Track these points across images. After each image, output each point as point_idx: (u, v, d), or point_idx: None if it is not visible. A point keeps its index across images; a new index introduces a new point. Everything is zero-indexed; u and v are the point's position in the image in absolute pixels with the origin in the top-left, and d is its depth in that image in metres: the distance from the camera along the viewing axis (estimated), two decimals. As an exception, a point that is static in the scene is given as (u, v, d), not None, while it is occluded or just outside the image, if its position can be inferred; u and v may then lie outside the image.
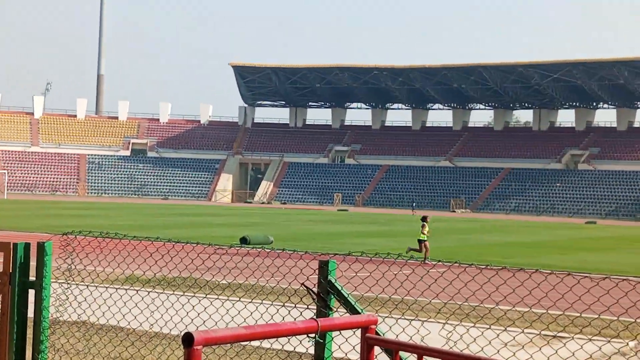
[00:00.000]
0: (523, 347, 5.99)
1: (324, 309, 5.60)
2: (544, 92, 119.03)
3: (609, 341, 6.96)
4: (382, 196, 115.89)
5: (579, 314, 7.20)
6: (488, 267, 5.89)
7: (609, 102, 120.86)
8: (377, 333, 4.79)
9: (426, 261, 27.62)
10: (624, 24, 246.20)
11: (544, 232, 54.92)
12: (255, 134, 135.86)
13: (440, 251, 33.52)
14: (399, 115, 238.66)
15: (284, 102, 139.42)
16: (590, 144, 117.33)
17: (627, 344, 7.15)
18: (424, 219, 29.95)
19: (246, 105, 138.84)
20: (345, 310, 5.63)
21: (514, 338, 6.15)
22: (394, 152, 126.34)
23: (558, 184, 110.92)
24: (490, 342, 6.49)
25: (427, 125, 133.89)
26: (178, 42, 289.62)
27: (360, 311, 5.53)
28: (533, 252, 35.60)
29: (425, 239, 29.03)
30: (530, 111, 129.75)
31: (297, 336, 4.52)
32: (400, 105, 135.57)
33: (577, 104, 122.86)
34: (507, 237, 47.09)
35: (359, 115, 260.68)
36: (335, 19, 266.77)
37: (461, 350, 7.08)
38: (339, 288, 5.64)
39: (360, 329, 4.58)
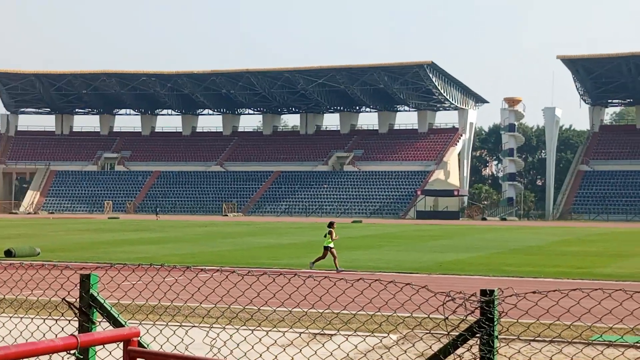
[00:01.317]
0: (284, 349, 6.22)
1: (86, 324, 5.55)
2: (310, 96, 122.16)
3: (372, 333, 7.34)
4: (154, 202, 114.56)
5: (350, 312, 7.55)
6: (249, 273, 6.06)
7: (371, 106, 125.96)
8: (140, 345, 4.81)
9: (339, 269, 26.57)
10: (381, 30, 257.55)
11: (312, 233, 56.32)
12: (19, 142, 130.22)
13: (214, 255, 33.67)
14: (169, 121, 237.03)
15: (49, 109, 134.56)
16: (354, 146, 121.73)
17: (388, 335, 7.57)
18: (330, 224, 28.08)
19: (8, 113, 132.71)
20: (109, 324, 5.60)
21: (276, 341, 6.36)
22: (165, 158, 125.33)
23: (325, 186, 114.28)
24: (253, 347, 6.67)
25: (198, 130, 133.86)
26: None
27: (123, 324, 5.52)
28: (302, 252, 36.44)
29: (332, 245, 27.30)
30: (298, 115, 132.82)
31: (59, 353, 4.43)
32: (170, 111, 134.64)
33: (342, 108, 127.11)
34: (278, 239, 47.94)
35: (128, 121, 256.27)
36: (102, 23, 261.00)
37: (225, 357, 7.24)
38: (102, 301, 5.61)
39: (123, 342, 4.58)
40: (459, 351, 5.48)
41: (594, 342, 8.99)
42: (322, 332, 9.42)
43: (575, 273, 27.23)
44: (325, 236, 27.66)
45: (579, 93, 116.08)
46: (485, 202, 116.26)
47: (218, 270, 7.38)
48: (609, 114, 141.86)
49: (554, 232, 61.89)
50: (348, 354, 6.43)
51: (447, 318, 5.62)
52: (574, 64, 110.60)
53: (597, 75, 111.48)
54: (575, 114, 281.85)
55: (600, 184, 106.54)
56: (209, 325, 7.47)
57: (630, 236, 55.77)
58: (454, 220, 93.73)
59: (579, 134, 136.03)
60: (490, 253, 37.31)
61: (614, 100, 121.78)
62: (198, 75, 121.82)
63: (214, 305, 7.79)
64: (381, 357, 6.42)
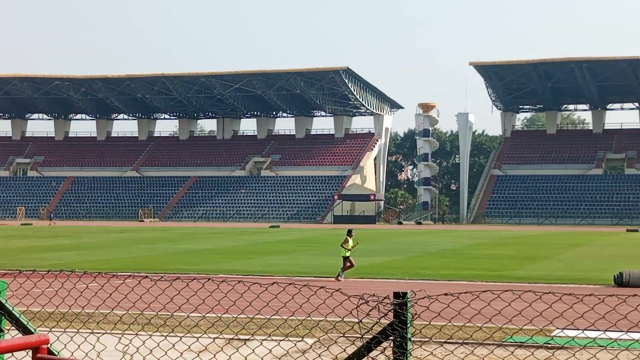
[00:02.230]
0: (198, 355, 6.18)
1: (-6, 332, 5.42)
2: (226, 101, 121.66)
3: (286, 337, 7.34)
4: (69, 208, 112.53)
5: (265, 317, 7.56)
6: (162, 278, 6.01)
7: (288, 111, 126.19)
8: (50, 352, 4.72)
9: (339, 277, 26.24)
10: (297, 36, 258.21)
11: (230, 238, 56.14)
12: None
13: (129, 261, 33.26)
14: (83, 126, 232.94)
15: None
16: (271, 151, 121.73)
17: (303, 339, 7.60)
18: (349, 232, 27.19)
19: None
20: (18, 332, 5.48)
21: (189, 347, 6.33)
22: (79, 163, 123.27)
23: (243, 191, 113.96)
24: (166, 353, 6.61)
25: (113, 135, 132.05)
26: None
27: (33, 331, 5.41)
28: (221, 258, 36.28)
29: (348, 254, 26.38)
30: (214, 120, 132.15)
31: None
32: (84, 116, 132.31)
33: (259, 113, 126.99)
34: (195, 245, 47.60)
35: (41, 126, 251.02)
36: (12, 26, 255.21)
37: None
38: (10, 308, 5.49)
39: (31, 350, 4.48)
40: (373, 354, 5.52)
41: (505, 343, 9.17)
42: (236, 337, 9.40)
43: (488, 275, 27.74)
44: (342, 245, 26.93)
45: (491, 99, 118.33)
46: (401, 207, 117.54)
47: (130, 275, 7.29)
48: (520, 119, 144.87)
49: (468, 235, 62.92)
50: (262, 359, 6.42)
51: (360, 321, 5.66)
52: (486, 70, 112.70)
53: (508, 82, 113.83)
54: (488, 120, 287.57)
55: (512, 188, 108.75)
56: (121, 332, 7.38)
57: (541, 239, 57.07)
58: (371, 225, 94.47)
59: (492, 139, 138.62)
60: (406, 257, 37.74)
61: (525, 106, 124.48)
62: (112, 79, 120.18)
63: (126, 312, 7.70)
64: (295, 360, 6.45)
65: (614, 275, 25.24)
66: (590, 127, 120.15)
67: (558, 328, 10.33)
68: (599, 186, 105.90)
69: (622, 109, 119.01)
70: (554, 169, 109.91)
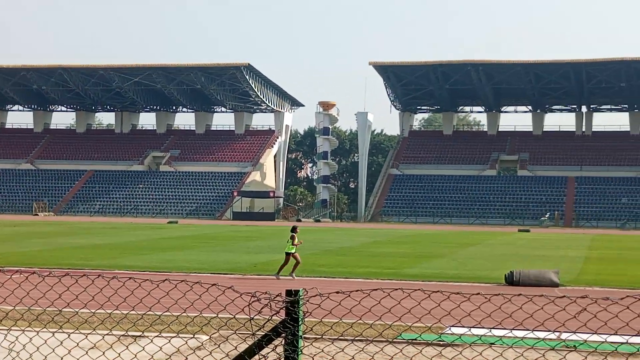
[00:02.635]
0: (87, 352, 6.09)
1: None
2: (125, 95, 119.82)
3: (177, 335, 7.30)
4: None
5: (155, 314, 7.49)
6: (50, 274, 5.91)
7: (188, 106, 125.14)
8: None
9: (284, 275, 25.83)
10: (198, 31, 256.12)
11: (127, 234, 55.35)
12: None
13: (21, 256, 32.43)
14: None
15: None
16: (171, 146, 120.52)
17: (194, 336, 7.58)
18: (293, 229, 26.88)
19: None
20: None
21: (78, 344, 6.23)
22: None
23: (141, 185, 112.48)
24: (54, 350, 6.50)
25: (7, 127, 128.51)
26: None
27: None
28: (116, 253, 35.75)
29: (295, 250, 26.05)
30: (113, 114, 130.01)
31: None
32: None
33: (158, 108, 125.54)
34: (90, 240, 46.74)
35: None
36: None
37: (25, 360, 7.00)
38: None
39: None
40: (264, 351, 5.55)
41: (395, 340, 9.33)
42: (126, 334, 9.28)
43: (384, 273, 28.10)
44: (287, 241, 26.45)
45: (390, 99, 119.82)
46: (300, 204, 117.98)
47: (18, 271, 7.13)
48: (418, 119, 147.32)
49: (365, 233, 63.58)
50: (153, 356, 6.37)
51: (252, 319, 5.69)
52: (385, 70, 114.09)
53: (407, 82, 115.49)
54: (387, 119, 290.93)
55: (409, 187, 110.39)
56: (7, 328, 7.22)
57: (436, 238, 58.11)
58: (270, 222, 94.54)
59: (390, 138, 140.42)
60: (303, 254, 37.85)
61: (423, 107, 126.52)
62: (7, 69, 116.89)
63: (12, 308, 7.52)
64: (186, 358, 6.42)
65: (505, 274, 25.88)
66: (485, 129, 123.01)
67: (446, 326, 10.58)
68: (492, 187, 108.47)
69: (516, 111, 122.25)
70: (450, 169, 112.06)
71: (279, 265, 26.40)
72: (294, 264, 25.96)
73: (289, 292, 5.59)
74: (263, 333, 5.52)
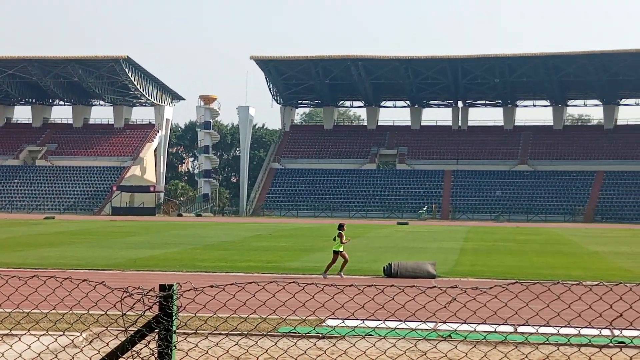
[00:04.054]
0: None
1: None
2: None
3: (47, 332, 7.15)
4: None
5: (24, 311, 7.32)
6: None
7: (65, 99, 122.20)
8: None
9: (341, 274, 25.13)
10: (77, 23, 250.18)
11: (1, 230, 53.67)
12: None
13: None
14: None
15: None
16: (47, 140, 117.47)
17: (64, 333, 7.42)
18: (340, 227, 25.90)
19: None
20: None
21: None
22: None
23: (16, 181, 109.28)
24: None
25: None
26: None
27: None
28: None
29: (342, 249, 25.28)
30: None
31: None
32: None
33: (34, 100, 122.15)
34: (-40, 238, 45.05)
35: None
36: None
37: None
38: None
39: None
40: (137, 347, 5.51)
41: (270, 333, 9.39)
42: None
43: (265, 267, 28.17)
44: (334, 239, 25.56)
45: (272, 93, 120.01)
46: (182, 199, 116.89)
47: None
48: (300, 114, 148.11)
49: (247, 227, 63.54)
50: (21, 355, 6.21)
51: (124, 314, 5.63)
52: (266, 64, 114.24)
53: (288, 77, 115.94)
54: (269, 113, 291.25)
55: (290, 181, 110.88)
56: None
57: (316, 231, 58.56)
58: (150, 217, 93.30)
59: (272, 132, 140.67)
60: (185, 249, 37.62)
61: (304, 101, 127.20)
62: None
63: None
64: (56, 356, 6.29)
65: (384, 267, 26.28)
66: (365, 124, 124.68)
67: (321, 318, 10.70)
68: (372, 180, 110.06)
69: (394, 106, 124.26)
70: (331, 163, 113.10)
71: (326, 264, 25.87)
72: (342, 262, 25.46)
73: (162, 287, 5.56)
74: (136, 329, 5.47)
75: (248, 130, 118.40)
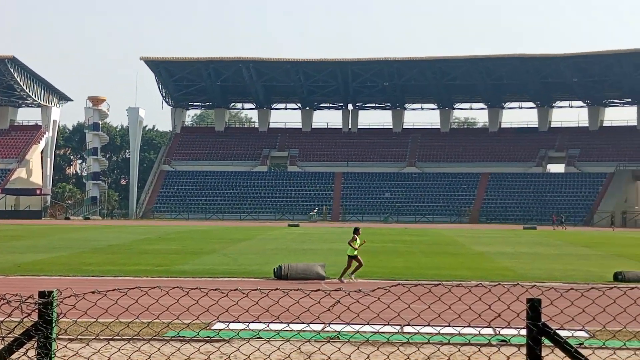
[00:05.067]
0: None
1: None
2: None
3: None
4: None
5: None
6: None
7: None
8: None
9: (352, 277, 24.84)
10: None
11: None
12: None
13: None
14: None
15: None
16: None
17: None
18: (355, 231, 25.57)
19: None
20: None
21: None
22: None
23: None
24: None
25: None
26: None
27: None
28: None
29: (355, 253, 25.03)
30: None
31: None
32: None
33: None
34: None
35: None
36: None
37: None
38: None
39: None
40: (15, 356, 5.41)
41: (153, 338, 9.31)
42: None
43: (154, 271, 27.84)
44: (352, 243, 25.34)
45: (162, 95, 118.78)
46: (69, 201, 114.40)
47: None
48: (190, 115, 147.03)
49: (136, 231, 62.68)
50: None
51: (2, 322, 5.53)
52: (157, 66, 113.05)
53: (179, 78, 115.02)
54: (159, 115, 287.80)
55: (181, 184, 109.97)
56: None
57: (207, 234, 58.25)
58: (36, 220, 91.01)
59: (162, 134, 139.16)
60: (71, 253, 36.85)
61: (195, 103, 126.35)
62: None
63: None
64: None
65: (274, 269, 26.37)
66: (257, 126, 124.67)
67: (205, 322, 10.70)
68: (263, 183, 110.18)
69: (286, 108, 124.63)
70: (222, 165, 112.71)
71: (342, 268, 25.59)
72: (356, 266, 25.34)
73: (41, 294, 5.49)
74: (14, 337, 5.37)
75: (138, 132, 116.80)
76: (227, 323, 7.29)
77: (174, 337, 10.08)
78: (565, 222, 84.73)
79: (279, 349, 8.16)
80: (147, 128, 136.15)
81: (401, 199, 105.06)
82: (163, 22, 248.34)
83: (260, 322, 7.69)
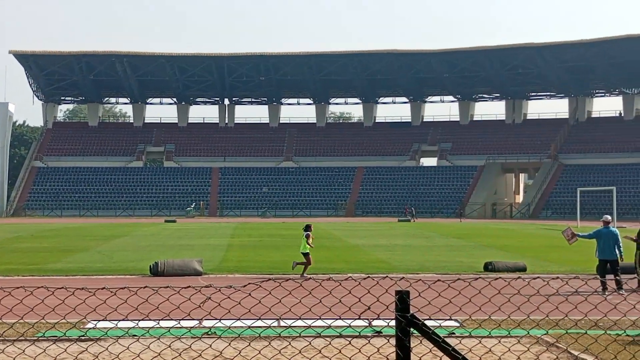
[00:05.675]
0: None
1: None
2: None
3: None
4: None
5: None
6: None
7: None
8: None
9: (304, 275, 24.25)
10: None
11: None
12: None
13: None
14: None
15: None
16: None
17: None
18: (307, 228, 25.23)
19: None
20: None
21: None
22: None
23: None
24: None
25: None
26: None
27: None
28: None
29: (307, 250, 24.69)
30: None
31: None
32: None
33: None
34: None
35: None
36: None
37: None
38: None
39: None
40: None
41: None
42: None
43: (25, 270, 27.19)
44: (302, 240, 24.95)
45: (33, 89, 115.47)
46: None
47: None
48: (63, 110, 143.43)
49: (6, 229, 60.85)
50: None
51: None
52: (26, 59, 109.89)
53: (50, 72, 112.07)
54: (30, 110, 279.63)
55: (54, 180, 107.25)
56: None
57: (81, 231, 57.13)
58: None
59: (33, 130, 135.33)
60: None
61: (67, 97, 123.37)
62: None
63: None
64: None
65: (150, 265, 26.15)
66: (132, 121, 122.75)
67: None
68: (139, 178, 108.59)
69: (161, 103, 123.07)
70: (96, 161, 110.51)
71: (302, 268, 24.95)
72: (306, 263, 24.88)
73: None
74: None
75: (8, 128, 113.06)
76: (95, 322, 7.22)
77: (39, 337, 9.87)
78: (416, 215, 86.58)
79: (149, 347, 8.14)
80: (17, 123, 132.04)
81: (278, 194, 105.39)
82: (33, 15, 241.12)
83: (129, 320, 7.64)
